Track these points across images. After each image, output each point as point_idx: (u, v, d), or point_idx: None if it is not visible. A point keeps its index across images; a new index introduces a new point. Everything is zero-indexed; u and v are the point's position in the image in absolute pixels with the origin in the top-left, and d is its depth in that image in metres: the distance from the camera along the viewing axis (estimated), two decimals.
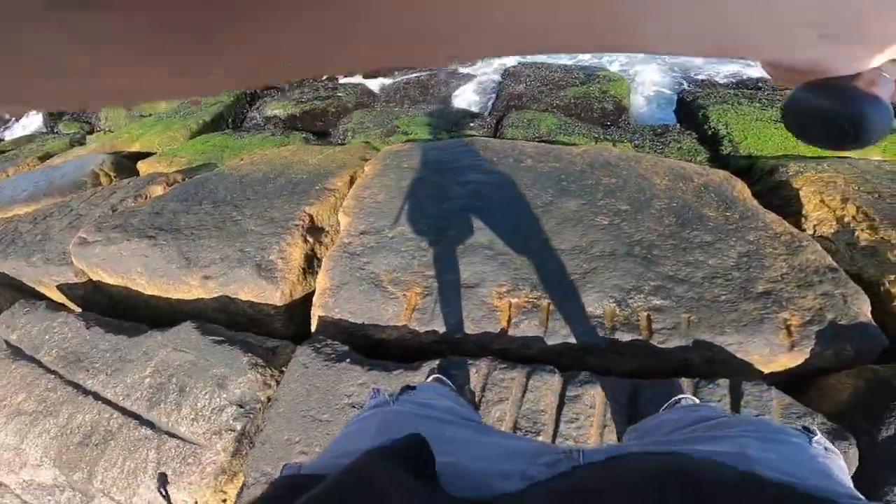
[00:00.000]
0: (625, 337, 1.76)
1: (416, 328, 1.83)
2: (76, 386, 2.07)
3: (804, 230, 2.53)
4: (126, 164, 4.31)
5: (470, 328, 1.78)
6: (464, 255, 2.02)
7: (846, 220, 2.43)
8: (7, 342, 2.39)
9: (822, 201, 2.58)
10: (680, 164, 2.71)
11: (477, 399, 1.52)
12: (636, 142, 3.82)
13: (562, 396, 1.51)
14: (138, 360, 2.06)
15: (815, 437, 0.64)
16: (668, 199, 2.39)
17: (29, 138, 6.00)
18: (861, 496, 0.47)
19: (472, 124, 4.34)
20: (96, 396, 2.01)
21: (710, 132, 3.87)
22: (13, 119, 7.11)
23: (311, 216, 2.48)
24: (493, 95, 5.05)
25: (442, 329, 1.81)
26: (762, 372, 1.86)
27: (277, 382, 1.86)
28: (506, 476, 0.47)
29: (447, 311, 1.83)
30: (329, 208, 2.57)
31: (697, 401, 1.57)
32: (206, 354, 1.96)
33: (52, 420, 1.97)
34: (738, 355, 1.81)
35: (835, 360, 1.87)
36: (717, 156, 3.62)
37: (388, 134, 3.98)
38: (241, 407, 1.81)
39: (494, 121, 4.42)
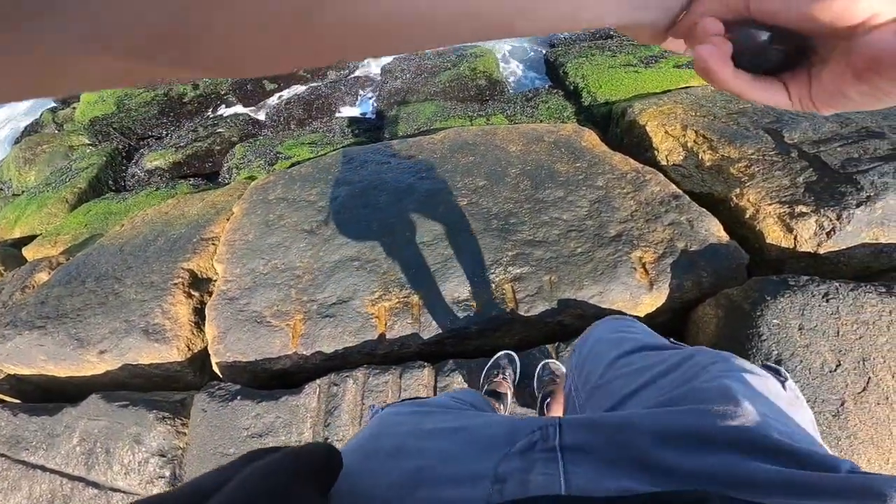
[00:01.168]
0: (493, 313, 1.88)
1: (304, 353, 1.90)
2: (24, 463, 2.17)
3: (659, 162, 2.77)
4: (11, 252, 4.05)
5: (350, 341, 1.87)
6: (335, 272, 2.10)
7: (689, 145, 2.67)
8: None
9: (666, 132, 2.82)
10: (533, 128, 2.89)
11: (357, 409, 1.63)
12: (508, 112, 4.00)
13: (434, 388, 1.63)
14: (64, 434, 2.13)
15: (787, 382, 0.59)
16: (522, 164, 2.55)
17: None
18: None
19: (356, 131, 4.37)
20: (43, 469, 2.11)
21: (571, 87, 4.11)
22: None
23: (190, 271, 2.47)
24: (376, 96, 5.09)
25: (328, 348, 1.89)
26: (637, 316, 1.88)
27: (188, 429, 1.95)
28: (475, 479, 0.43)
29: (328, 330, 1.91)
30: (209, 257, 2.56)
31: (563, 368, 1.65)
32: (118, 418, 2.04)
33: (20, 493, 2.10)
34: (603, 306, 1.89)
35: (697, 289, 1.92)
36: (581, 108, 3.87)
37: (272, 163, 3.94)
38: (162, 456, 1.92)
39: (378, 122, 4.48)
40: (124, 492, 1.93)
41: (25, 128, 6.68)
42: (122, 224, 3.59)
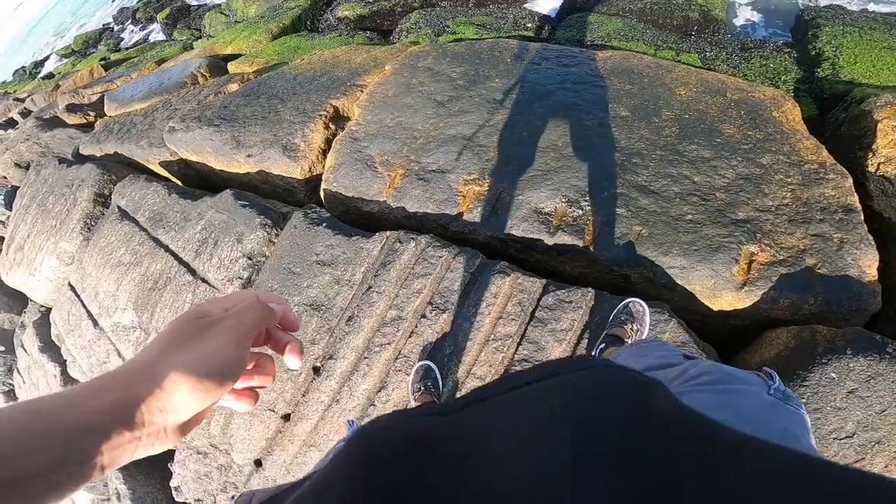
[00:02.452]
0: (567, 238, 1.83)
1: (392, 204, 2.10)
2: (156, 241, 2.74)
3: (865, 167, 2.23)
4: (219, 65, 4.90)
5: (432, 209, 2.00)
6: (446, 143, 2.19)
7: None
8: (118, 206, 3.17)
9: None
10: (720, 78, 2.46)
11: (405, 272, 1.79)
12: (708, 54, 3.40)
13: (474, 279, 1.70)
14: (195, 219, 2.63)
15: (774, 385, 0.62)
16: (681, 110, 2.25)
17: (151, 46, 6.95)
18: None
19: (528, 25, 4.15)
20: (167, 249, 2.65)
21: (813, 52, 3.30)
22: (137, 28, 8.17)
23: (336, 107, 2.77)
24: None
25: (411, 207, 2.06)
26: (710, 308, 1.73)
27: None
28: None
29: (418, 192, 2.06)
30: (355, 101, 2.83)
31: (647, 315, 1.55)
32: (235, 215, 2.44)
33: (138, 269, 2.66)
34: (679, 281, 1.73)
35: (791, 311, 1.66)
36: (810, 78, 3.13)
37: (438, 34, 4.01)
38: (249, 259, 2.28)
39: (556, 22, 4.18)
40: (209, 284, 2.26)
41: None
42: (303, 59, 4.06)
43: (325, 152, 2.63)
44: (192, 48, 6.14)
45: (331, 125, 2.71)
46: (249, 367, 0.43)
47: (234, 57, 5.08)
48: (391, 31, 4.75)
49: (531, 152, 2.08)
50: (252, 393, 0.43)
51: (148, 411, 0.33)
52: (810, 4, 4.21)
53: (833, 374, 1.44)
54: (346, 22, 5.10)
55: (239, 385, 0.42)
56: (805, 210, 1.87)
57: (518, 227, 1.89)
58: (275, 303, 0.43)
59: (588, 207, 1.89)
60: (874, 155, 2.23)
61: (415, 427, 0.39)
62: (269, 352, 0.45)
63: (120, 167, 3.65)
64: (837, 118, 2.68)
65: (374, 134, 2.36)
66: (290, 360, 0.43)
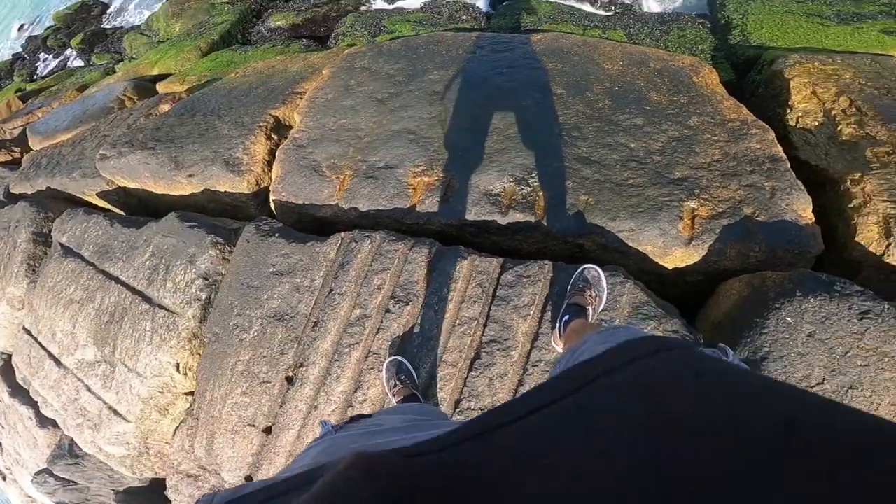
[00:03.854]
0: (519, 215, 1.88)
1: (344, 206, 2.09)
2: (105, 273, 2.60)
3: (786, 121, 2.39)
4: (147, 86, 4.70)
5: (384, 205, 2.01)
6: (391, 139, 2.19)
7: (833, 113, 2.25)
8: (60, 244, 2.99)
9: (813, 93, 2.38)
10: (643, 50, 2.58)
11: (364, 269, 1.79)
12: (632, 30, 3.56)
13: (432, 268, 1.72)
14: (142, 247, 2.53)
15: (729, 360, 0.64)
16: (611, 83, 2.34)
17: (69, 72, 6.59)
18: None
19: (464, 18, 4.21)
20: (117, 280, 2.53)
21: (723, 21, 3.52)
22: (51, 55, 7.72)
23: (276, 117, 2.72)
24: None
25: (363, 206, 2.05)
26: (664, 266, 1.80)
27: None
28: None
29: (368, 190, 2.06)
30: (294, 109, 2.78)
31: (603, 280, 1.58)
32: (183, 238, 2.36)
33: (91, 305, 2.54)
34: (630, 244, 1.79)
35: (739, 261, 1.75)
36: (724, 46, 3.33)
37: (375, 35, 4.00)
38: (205, 279, 2.21)
39: (489, 13, 4.26)
40: (167, 310, 2.19)
41: None
42: (237, 72, 3.95)
43: (269, 163, 2.58)
44: (115, 72, 5.86)
45: (273, 135, 2.66)
46: None
47: (162, 77, 4.89)
48: (327, 37, 4.70)
49: (475, 138, 2.12)
50: None
51: None
52: None
53: (789, 319, 1.49)
54: (279, 32, 5.00)
55: None
56: (735, 164, 1.99)
57: (471, 211, 1.92)
58: None
59: (535, 184, 1.94)
60: (792, 110, 2.40)
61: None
62: None
63: (55, 202, 3.45)
64: (754, 80, 2.87)
65: (317, 139, 2.34)
66: None
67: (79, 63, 7.58)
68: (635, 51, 2.59)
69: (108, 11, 9.12)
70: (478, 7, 4.44)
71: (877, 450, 0.21)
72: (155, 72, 5.05)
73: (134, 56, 6.13)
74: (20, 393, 3.01)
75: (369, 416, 0.83)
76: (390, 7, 4.84)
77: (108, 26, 8.41)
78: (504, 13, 3.87)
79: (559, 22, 3.61)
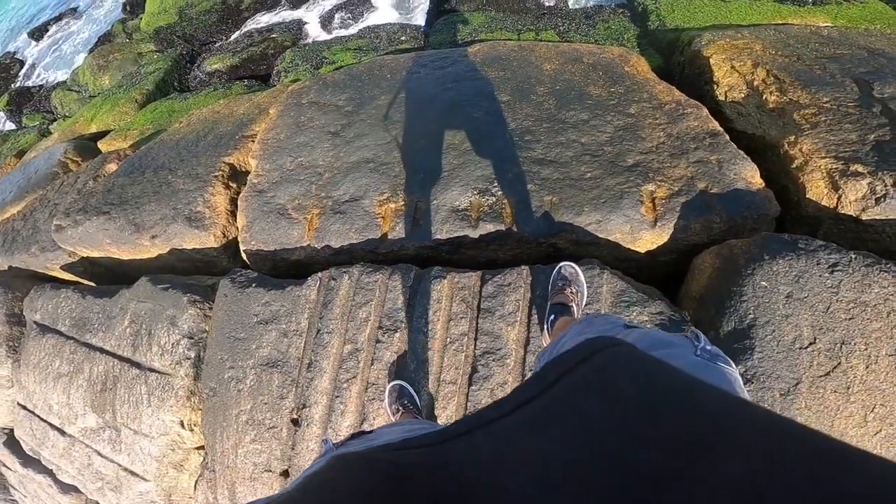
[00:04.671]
0: (490, 226, 1.93)
1: (316, 245, 2.10)
2: (88, 345, 2.54)
3: (716, 97, 2.54)
4: (88, 146, 4.53)
5: (356, 238, 2.03)
6: (351, 171, 2.22)
7: (755, 83, 2.41)
8: (35, 322, 2.88)
9: (732, 67, 2.54)
10: (574, 47, 2.71)
11: (348, 305, 1.81)
12: (561, 28, 3.71)
13: (414, 292, 1.75)
14: (119, 315, 2.46)
15: (700, 345, 0.63)
16: (552, 83, 2.45)
17: (3, 137, 6.27)
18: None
19: (402, 38, 4.27)
20: (101, 350, 2.47)
21: (639, 8, 3.73)
22: None
23: (230, 164, 2.69)
24: (428, 3, 4.86)
25: (335, 243, 2.07)
26: (637, 251, 1.87)
27: None
28: None
29: (337, 226, 2.08)
30: (248, 154, 2.76)
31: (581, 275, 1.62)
32: (160, 301, 2.32)
33: (81, 376, 2.48)
34: (600, 235, 1.86)
35: (705, 234, 1.82)
36: (646, 32, 3.52)
37: (317, 67, 4.01)
38: (190, 338, 2.18)
39: (426, 29, 4.34)
40: (159, 372, 2.19)
41: (98, 38, 7.11)
42: (181, 121, 3.88)
43: (233, 213, 2.55)
44: (50, 133, 5.62)
45: (231, 184, 2.63)
46: None
47: (101, 134, 4.72)
48: (269, 75, 4.67)
49: (433, 157, 2.17)
50: None
51: None
52: None
53: (763, 283, 1.52)
54: (218, 75, 4.93)
55: None
56: (679, 143, 2.11)
57: (442, 230, 1.97)
58: None
59: (499, 193, 2.01)
60: (718, 86, 2.56)
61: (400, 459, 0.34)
62: None
63: (20, 281, 3.29)
64: (679, 62, 3.05)
65: (277, 182, 2.34)
66: None
67: (10, 126, 7.22)
68: (568, 48, 2.71)
69: (23, 71, 8.69)
70: (416, 25, 4.52)
71: (740, 439, 0.26)
72: (93, 129, 4.87)
73: (67, 114, 5.89)
74: (32, 462, 2.95)
75: (370, 431, 0.83)
76: (329, 37, 4.86)
77: (31, 84, 8.03)
78: (441, 29, 3.96)
79: (494, 30, 3.73)
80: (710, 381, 0.54)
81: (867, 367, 1.38)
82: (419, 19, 4.92)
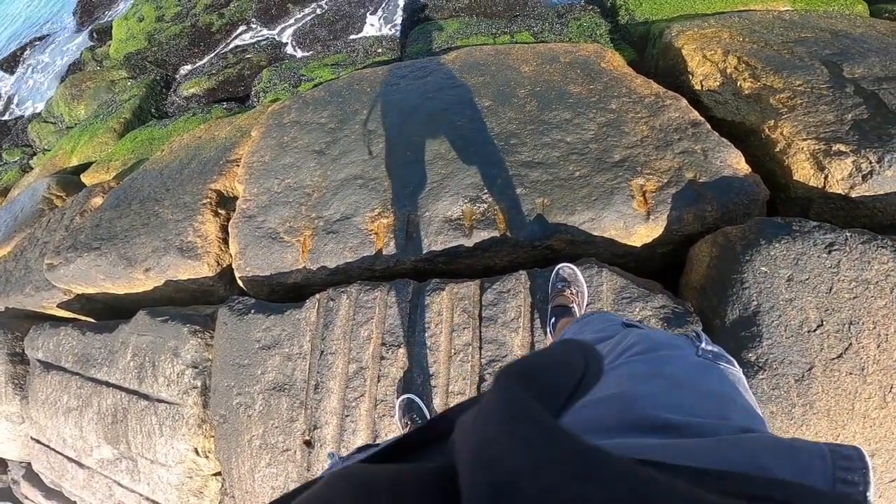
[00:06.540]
0: (484, 233, 1.94)
1: (312, 267, 2.10)
2: (93, 379, 2.56)
3: (692, 88, 2.58)
4: (71, 180, 4.47)
5: (350, 256, 2.03)
6: (340, 189, 2.22)
7: (728, 71, 2.45)
8: (37, 360, 2.88)
9: (704, 57, 2.58)
10: (550, 47, 2.74)
11: (349, 324, 1.81)
12: (535, 29, 3.75)
13: (414, 306, 1.76)
14: (120, 350, 2.46)
15: (701, 345, 0.63)
16: (532, 84, 2.47)
17: None
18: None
19: (379, 51, 4.28)
20: (107, 384, 2.48)
21: (608, 3, 3.77)
22: None
23: (217, 191, 2.68)
24: (400, 13, 4.88)
25: (331, 263, 2.07)
26: (633, 246, 1.88)
27: None
28: None
29: (331, 246, 2.08)
30: (234, 178, 2.75)
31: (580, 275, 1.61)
32: (160, 333, 2.31)
33: (91, 409, 2.51)
34: (595, 233, 1.87)
35: (699, 223, 1.84)
36: (617, 27, 3.57)
37: (296, 85, 4.00)
38: (195, 367, 2.18)
39: (402, 40, 4.34)
40: (167, 402, 2.20)
41: (69, 67, 7.01)
42: (163, 149, 3.85)
43: (225, 240, 2.53)
44: (31, 168, 5.54)
45: (220, 210, 2.62)
46: None
47: (83, 167, 4.65)
48: (247, 96, 4.65)
49: (421, 168, 2.18)
50: None
51: None
52: None
53: (763, 268, 1.50)
54: (196, 99, 4.90)
55: None
56: (663, 135, 2.14)
57: (436, 241, 1.97)
58: None
59: (490, 199, 2.02)
60: (693, 76, 2.61)
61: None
62: None
63: (18, 321, 3.26)
64: (652, 55, 3.09)
65: (266, 205, 2.33)
66: None
67: None
68: (544, 49, 2.74)
69: None
70: (391, 36, 4.52)
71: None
72: (74, 161, 4.81)
73: (46, 147, 5.80)
74: (55, 495, 2.96)
75: (376, 444, 0.85)
76: (305, 53, 4.85)
77: (7, 118, 7.91)
78: (417, 38, 3.97)
79: (469, 35, 3.75)
80: (712, 381, 0.57)
81: (878, 347, 1.36)
82: (396, 29, 4.93)
